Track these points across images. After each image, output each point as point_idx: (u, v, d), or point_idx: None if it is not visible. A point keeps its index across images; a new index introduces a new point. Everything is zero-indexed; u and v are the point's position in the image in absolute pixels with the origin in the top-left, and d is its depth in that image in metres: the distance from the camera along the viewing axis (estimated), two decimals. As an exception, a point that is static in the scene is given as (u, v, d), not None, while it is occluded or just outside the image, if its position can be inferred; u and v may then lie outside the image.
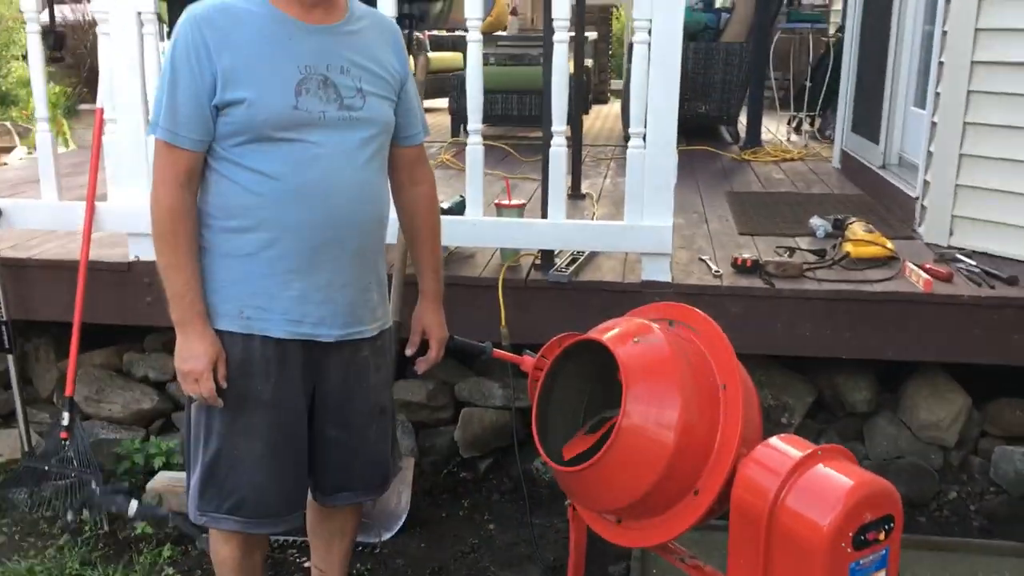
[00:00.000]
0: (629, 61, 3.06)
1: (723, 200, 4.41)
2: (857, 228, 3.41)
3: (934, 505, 3.13)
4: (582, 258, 3.21)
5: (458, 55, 7.73)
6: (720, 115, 6.43)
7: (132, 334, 3.44)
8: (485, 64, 2.96)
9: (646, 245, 3.00)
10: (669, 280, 3.02)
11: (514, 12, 7.81)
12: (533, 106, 6.13)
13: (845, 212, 3.85)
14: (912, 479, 3.10)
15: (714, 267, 3.15)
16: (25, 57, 7.67)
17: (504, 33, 7.39)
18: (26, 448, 3.25)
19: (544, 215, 3.09)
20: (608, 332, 1.96)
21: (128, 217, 3.09)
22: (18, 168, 5.77)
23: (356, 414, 2.13)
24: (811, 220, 3.71)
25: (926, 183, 3.58)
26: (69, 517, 2.96)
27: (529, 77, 6.12)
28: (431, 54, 7.27)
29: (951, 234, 3.46)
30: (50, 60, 3.18)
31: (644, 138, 2.89)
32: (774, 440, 1.79)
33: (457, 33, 7.44)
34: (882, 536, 1.67)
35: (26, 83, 7.87)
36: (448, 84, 6.54)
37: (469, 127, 3.00)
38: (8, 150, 7.35)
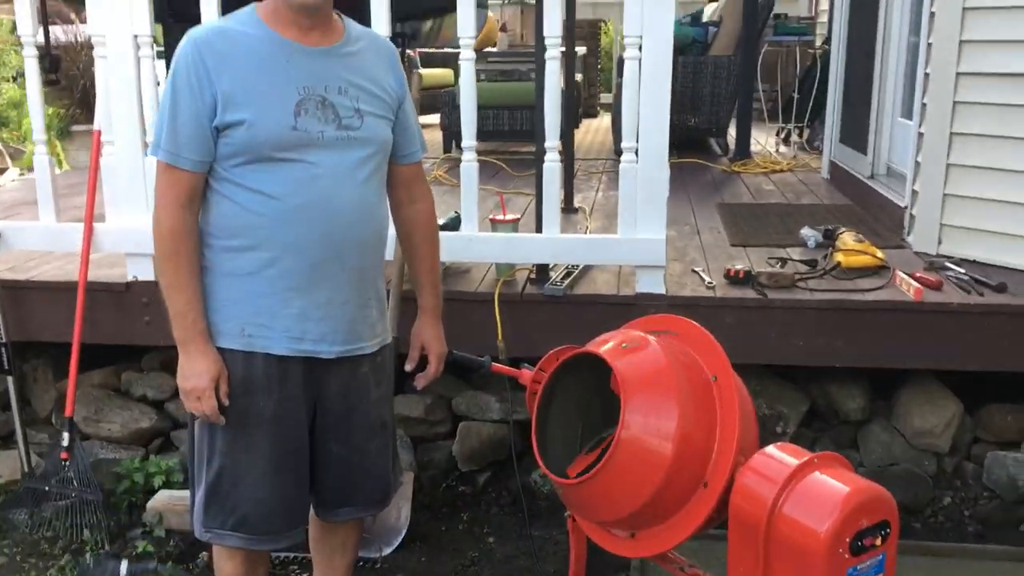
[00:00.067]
0: (619, 75, 3.11)
1: (714, 212, 4.45)
2: (847, 238, 3.45)
3: (929, 511, 3.16)
4: (577, 271, 3.24)
5: (448, 71, 7.79)
6: (709, 127, 6.49)
7: (130, 354, 3.46)
8: (476, 80, 3.00)
9: (640, 258, 3.03)
10: (663, 292, 3.05)
11: (503, 28, 7.87)
12: (524, 121, 6.18)
13: (835, 222, 3.89)
14: (907, 485, 3.12)
15: (707, 279, 3.18)
16: (15, 79, 7.70)
17: (494, 49, 7.45)
18: (26, 469, 3.26)
19: (539, 229, 3.12)
20: (605, 345, 1.99)
21: (126, 237, 3.11)
22: (12, 190, 5.78)
23: (357, 429, 2.16)
24: (802, 231, 3.75)
25: (914, 193, 3.63)
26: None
27: (520, 92, 6.17)
28: (422, 70, 7.33)
29: (940, 243, 3.50)
30: (46, 83, 3.18)
31: (636, 152, 2.93)
32: (770, 449, 1.82)
33: (447, 50, 7.49)
34: (879, 542, 1.70)
35: (17, 104, 7.89)
36: (439, 100, 6.59)
37: (463, 144, 3.04)
38: (1, 172, 7.36)
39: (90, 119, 6.84)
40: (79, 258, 3.12)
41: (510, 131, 6.35)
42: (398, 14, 3.01)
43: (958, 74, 3.37)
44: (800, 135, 6.95)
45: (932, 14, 3.50)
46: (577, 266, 3.27)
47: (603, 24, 10.14)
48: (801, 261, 3.40)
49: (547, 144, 2.99)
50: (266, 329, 2.00)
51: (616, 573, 2.78)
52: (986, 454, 3.19)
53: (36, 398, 3.51)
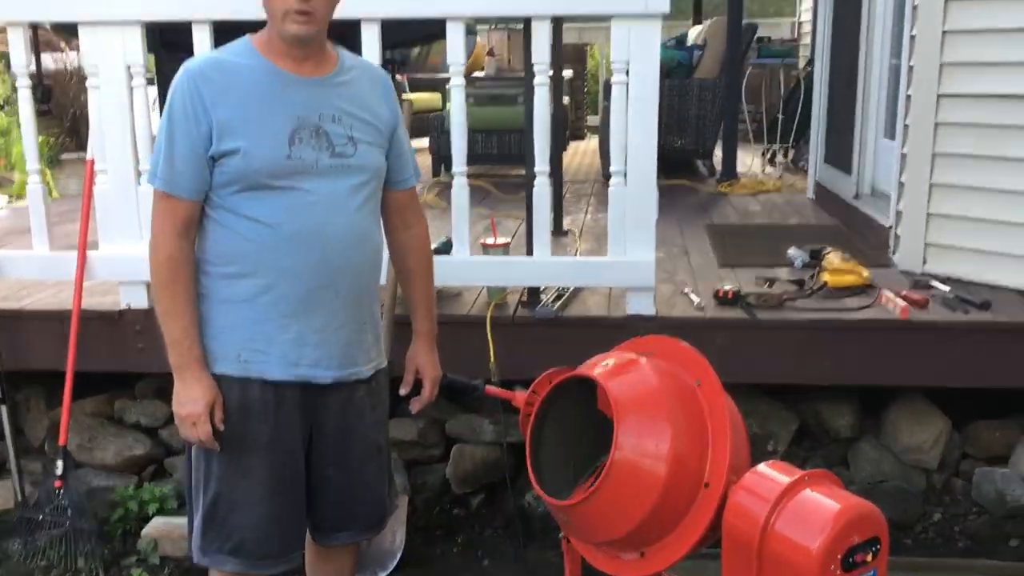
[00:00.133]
0: (606, 98, 3.15)
1: (702, 233, 4.50)
2: (834, 258, 3.50)
3: (919, 527, 3.19)
4: (568, 294, 3.27)
5: (437, 95, 7.84)
6: (696, 149, 6.54)
7: (123, 381, 3.46)
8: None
9: (630, 280, 3.06)
10: (653, 313, 3.08)
11: (491, 53, 7.93)
12: (512, 144, 6.22)
13: (821, 242, 3.92)
14: (897, 502, 3.15)
15: (697, 299, 3.22)
16: (2, 107, 7.70)
17: (482, 74, 7.50)
18: (19, 498, 3.26)
19: (529, 252, 3.15)
20: (597, 367, 2.02)
21: (119, 265, 3.13)
22: (2, 218, 5.77)
23: (353, 454, 2.17)
24: (789, 251, 3.78)
25: (899, 212, 3.67)
26: None
27: (508, 116, 6.22)
28: (410, 95, 7.38)
29: (925, 261, 3.55)
30: (38, 113, 3.21)
31: (624, 176, 2.96)
32: (762, 467, 1.85)
33: (437, 76, 7.55)
34: (869, 558, 1.72)
35: (4, 132, 7.89)
36: (428, 124, 6.63)
37: (454, 169, 3.07)
38: (-12, 200, 7.35)
39: (79, 147, 6.87)
40: (72, 286, 3.13)
41: (498, 154, 6.39)
42: (388, 42, 3.05)
43: (939, 96, 3.42)
44: (785, 155, 7.02)
45: (912, 37, 3.56)
46: (568, 288, 3.30)
47: (589, 47, 10.24)
48: (789, 281, 3.44)
49: (537, 168, 3.03)
50: (262, 354, 2.02)
51: (611, 594, 2.79)
52: (974, 470, 3.23)
53: (29, 427, 3.51)
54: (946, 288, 3.26)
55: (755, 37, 7.21)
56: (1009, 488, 3.14)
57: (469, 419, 3.34)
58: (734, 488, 1.81)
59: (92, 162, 3.15)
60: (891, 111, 4.27)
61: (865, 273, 3.37)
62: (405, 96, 6.84)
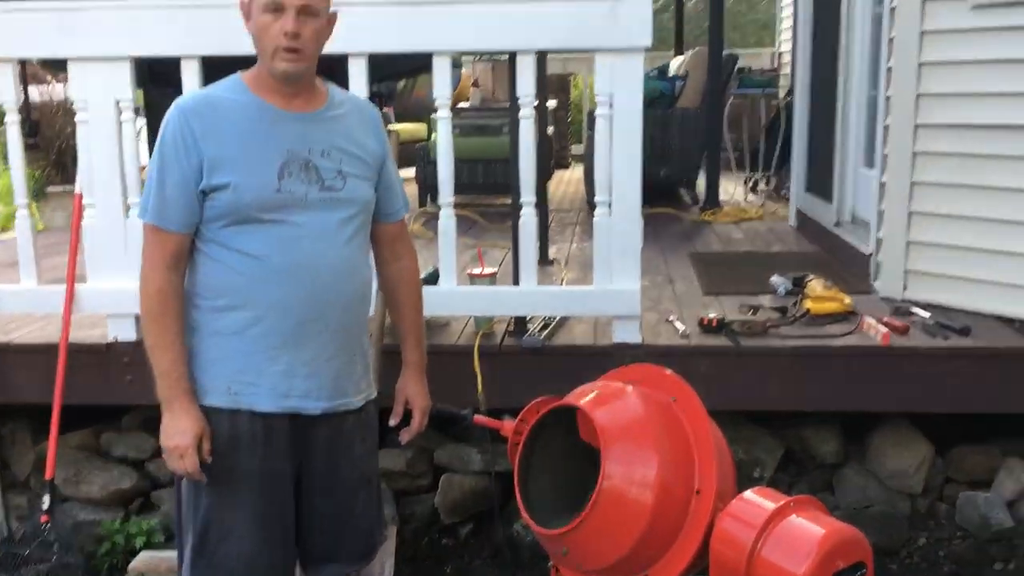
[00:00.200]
0: (590, 128, 3.19)
1: (687, 261, 4.54)
2: (816, 285, 3.54)
3: (904, 552, 3.21)
4: (554, 323, 3.30)
5: (422, 125, 7.90)
6: (679, 178, 6.61)
7: (109, 414, 3.45)
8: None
9: (616, 308, 3.09)
10: (639, 342, 3.11)
11: (476, 84, 8.01)
12: (498, 173, 6.26)
13: (804, 270, 3.96)
14: (882, 527, 3.17)
15: (682, 327, 3.25)
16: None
17: (467, 105, 7.57)
18: (5, 533, 3.24)
19: (516, 282, 3.18)
20: (585, 396, 2.05)
21: (107, 298, 3.13)
22: (-15, 251, 5.75)
23: (342, 485, 2.18)
24: (772, 279, 3.82)
25: (879, 240, 3.73)
26: None
27: (493, 146, 6.27)
28: (396, 125, 7.43)
29: (905, 288, 3.59)
30: (26, 147, 3.23)
31: (609, 206, 3.00)
32: (748, 494, 1.87)
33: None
34: (855, 582, 1.75)
35: (-15, 165, 7.87)
36: (415, 154, 6.68)
37: (440, 201, 3.10)
38: (-29, 233, 7.32)
39: (65, 180, 6.86)
40: (59, 320, 3.14)
41: (484, 183, 6.43)
42: (375, 75, 3.09)
43: (917, 126, 3.49)
44: (767, 183, 7.10)
45: (889, 69, 3.64)
46: (555, 317, 3.33)
47: (573, 77, 10.36)
48: (772, 308, 3.48)
49: (523, 199, 3.06)
50: (252, 386, 2.04)
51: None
52: (958, 494, 3.25)
53: (15, 461, 3.49)
54: (926, 314, 3.30)
55: (736, 67, 7.31)
56: (992, 512, 3.17)
57: (457, 448, 3.35)
58: (720, 515, 1.83)
59: (80, 196, 3.16)
60: (870, 141, 4.34)
61: (847, 300, 3.41)
62: (391, 127, 6.88)
